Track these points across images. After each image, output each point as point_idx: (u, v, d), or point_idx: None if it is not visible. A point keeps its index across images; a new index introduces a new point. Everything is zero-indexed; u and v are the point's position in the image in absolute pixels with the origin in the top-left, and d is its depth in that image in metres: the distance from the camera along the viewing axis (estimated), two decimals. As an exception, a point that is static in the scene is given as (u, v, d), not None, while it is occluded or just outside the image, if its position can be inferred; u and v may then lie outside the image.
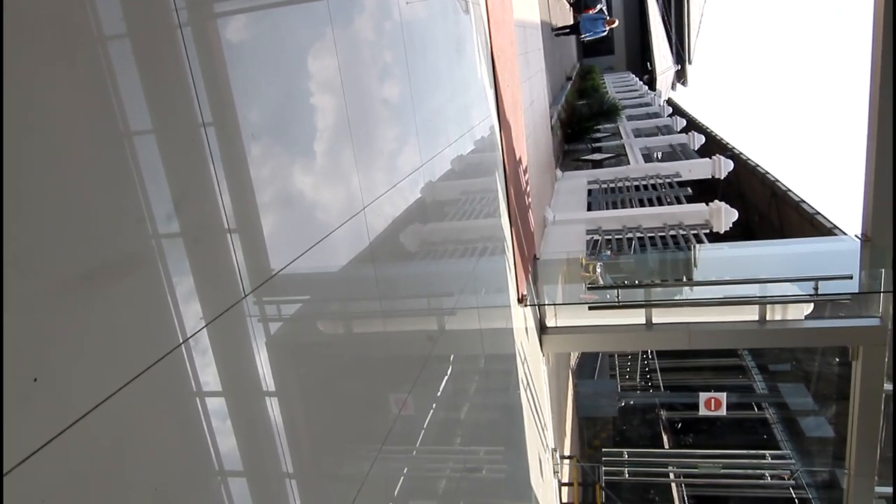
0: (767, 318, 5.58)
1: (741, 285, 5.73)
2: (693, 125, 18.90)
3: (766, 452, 8.60)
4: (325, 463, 1.86)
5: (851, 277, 5.06)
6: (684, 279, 7.27)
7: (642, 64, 38.10)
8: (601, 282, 6.63)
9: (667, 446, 12.12)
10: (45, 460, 0.91)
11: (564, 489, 8.09)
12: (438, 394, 3.15)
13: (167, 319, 1.23)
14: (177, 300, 1.26)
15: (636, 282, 6.81)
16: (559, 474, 7.45)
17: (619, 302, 5.76)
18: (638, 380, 14.18)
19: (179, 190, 1.27)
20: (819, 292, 5.20)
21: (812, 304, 5.49)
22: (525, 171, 6.70)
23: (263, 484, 1.49)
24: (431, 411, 3.02)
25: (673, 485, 10.22)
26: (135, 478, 1.08)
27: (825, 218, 10.16)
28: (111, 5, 1.14)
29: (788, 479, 8.83)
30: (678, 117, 17.77)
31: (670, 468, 9.54)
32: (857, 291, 5.12)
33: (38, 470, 0.90)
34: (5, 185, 0.89)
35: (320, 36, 2.02)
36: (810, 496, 9.71)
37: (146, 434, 1.13)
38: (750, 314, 5.72)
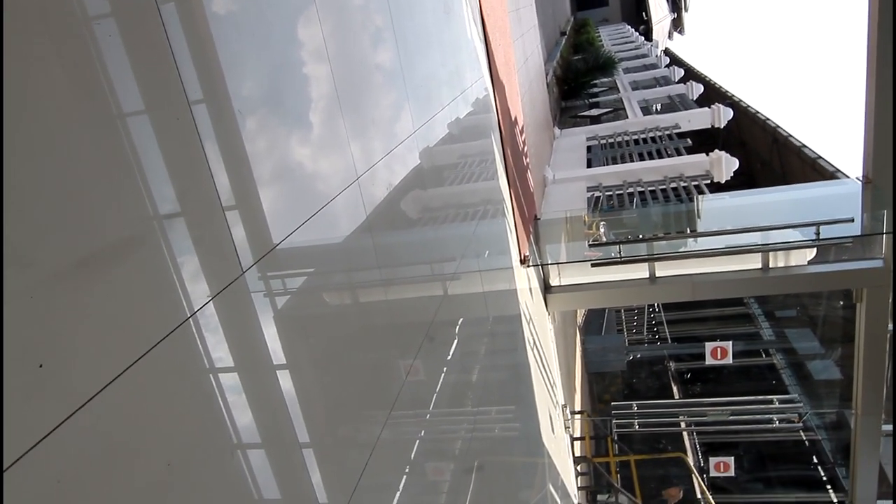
0: (770, 266, 5.58)
1: (743, 234, 5.72)
2: (691, 74, 18.62)
3: (774, 397, 8.71)
4: (335, 430, 1.90)
5: (853, 220, 5.04)
6: (688, 231, 7.28)
7: (637, 14, 37.29)
8: (604, 239, 6.64)
9: (676, 397, 12.30)
10: (56, 443, 0.94)
11: (577, 443, 8.25)
12: (447, 358, 3.19)
13: (170, 297, 1.24)
14: (180, 277, 1.27)
15: (639, 236, 6.81)
16: (570, 429, 7.59)
17: (621, 257, 5.77)
18: (645, 333, 14.30)
19: (171, 169, 1.28)
20: (821, 237, 5.19)
21: (815, 249, 5.49)
22: (522, 131, 6.64)
23: (274, 451, 1.53)
24: (440, 375, 3.07)
25: (685, 433, 10.41)
26: (147, 453, 1.11)
27: (827, 162, 10.09)
28: None
29: (797, 423, 8.96)
30: (676, 67, 17.49)
31: (681, 418, 9.70)
32: (858, 234, 5.11)
33: (50, 452, 0.93)
34: (-8, 176, 0.90)
35: (303, 6, 1.99)
36: (820, 437, 9.89)
37: (156, 410, 1.16)
38: (753, 262, 5.73)
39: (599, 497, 8.52)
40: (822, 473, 9.95)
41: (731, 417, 8.44)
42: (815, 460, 10.11)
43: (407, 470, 2.45)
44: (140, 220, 1.19)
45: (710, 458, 8.74)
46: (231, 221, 1.47)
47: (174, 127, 1.31)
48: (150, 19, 1.27)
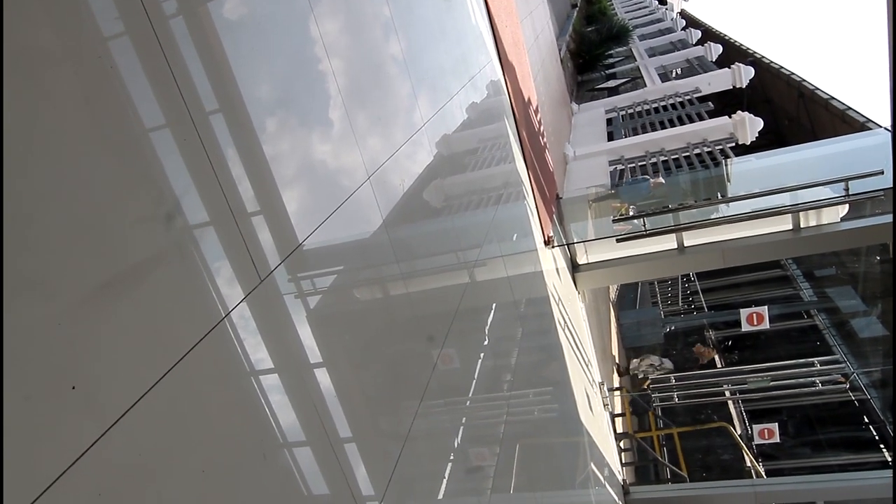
0: (802, 226, 5.45)
1: (771, 196, 5.59)
2: (709, 35, 18.13)
3: (815, 360, 8.53)
4: (371, 423, 1.95)
5: (882, 172, 4.87)
6: (713, 197, 7.14)
7: (650, -22, 36.30)
8: (632, 213, 6.57)
9: (719, 365, 12.13)
10: (94, 459, 0.99)
11: (618, 420, 8.22)
12: (476, 345, 3.22)
13: (200, 305, 1.29)
14: (208, 285, 1.32)
15: (665, 206, 6.71)
16: (609, 406, 7.57)
17: (646, 230, 5.71)
18: (680, 304, 14.11)
19: (187, 181, 1.32)
20: (851, 191, 5.04)
21: (847, 206, 5.34)
22: (536, 112, 6.59)
23: (305, 448, 1.58)
24: (475, 361, 3.11)
25: (729, 402, 10.27)
26: (181, 463, 1.16)
27: (857, 112, 9.77)
28: (107, 5, 1.19)
29: (844, 383, 8.77)
30: (692, 29, 17.07)
31: (724, 387, 9.58)
32: (889, 186, 4.94)
33: (89, 468, 0.98)
34: (12, 209, 0.95)
35: (301, 12, 2.01)
36: (868, 396, 9.64)
37: (189, 418, 1.21)
38: (783, 224, 5.60)
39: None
40: (874, 433, 9.73)
41: (773, 383, 8.31)
42: (866, 420, 9.88)
43: (452, 457, 2.50)
44: (160, 234, 1.23)
45: (754, 426, 8.62)
46: (255, 225, 1.52)
47: (185, 146, 1.35)
48: (151, 47, 1.31)
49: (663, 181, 6.68)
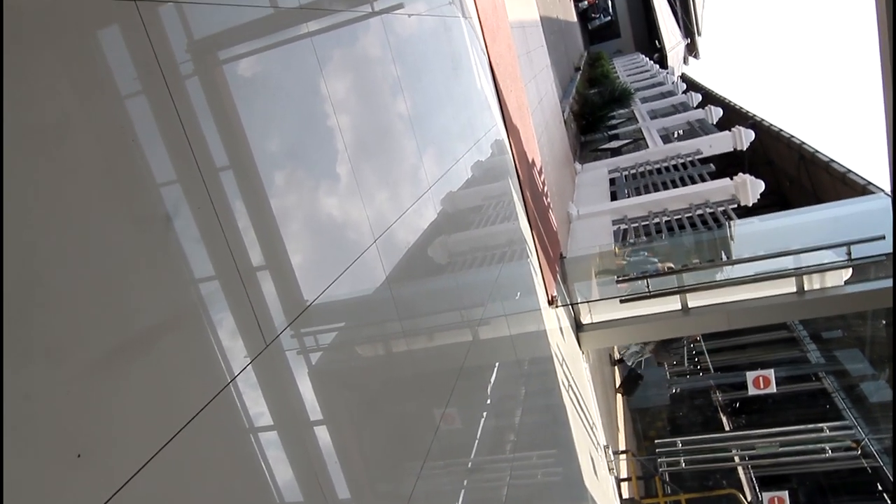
0: (806, 289, 5.46)
1: (774, 259, 5.61)
2: (709, 98, 18.60)
3: (824, 425, 8.35)
4: (374, 486, 1.92)
5: (884, 238, 4.91)
6: (723, 257, 7.16)
7: (650, 43, 37.60)
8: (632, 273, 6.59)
9: (726, 428, 11.85)
10: (93, 527, 0.99)
11: (624, 484, 7.99)
12: (479, 404, 3.19)
13: (203, 372, 1.30)
14: (212, 352, 1.34)
15: (670, 267, 6.74)
16: (615, 471, 7.37)
17: (650, 291, 5.72)
18: (686, 364, 13.90)
19: (199, 246, 1.35)
20: (853, 255, 5.07)
21: (851, 269, 5.35)
22: (540, 172, 6.71)
23: (306, 521, 1.55)
24: (478, 421, 3.07)
25: (739, 468, 9.99)
26: (180, 532, 1.15)
27: (857, 175, 9.91)
28: (126, 67, 1.26)
29: (855, 449, 8.53)
30: (693, 93, 17.50)
31: (734, 451, 9.34)
32: (890, 251, 4.97)
33: (88, 537, 0.98)
34: (27, 275, 0.98)
35: (311, 81, 2.10)
36: (881, 463, 9.37)
37: (188, 487, 1.20)
38: (787, 286, 5.61)
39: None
40: (888, 502, 9.41)
41: (782, 449, 8.10)
42: (880, 488, 9.57)
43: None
44: (169, 301, 1.26)
45: (764, 494, 8.36)
46: (263, 290, 1.55)
47: (198, 213, 1.40)
48: (170, 118, 1.37)
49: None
